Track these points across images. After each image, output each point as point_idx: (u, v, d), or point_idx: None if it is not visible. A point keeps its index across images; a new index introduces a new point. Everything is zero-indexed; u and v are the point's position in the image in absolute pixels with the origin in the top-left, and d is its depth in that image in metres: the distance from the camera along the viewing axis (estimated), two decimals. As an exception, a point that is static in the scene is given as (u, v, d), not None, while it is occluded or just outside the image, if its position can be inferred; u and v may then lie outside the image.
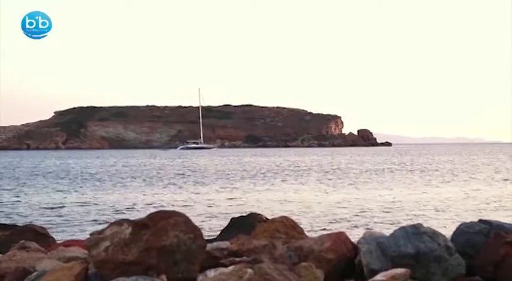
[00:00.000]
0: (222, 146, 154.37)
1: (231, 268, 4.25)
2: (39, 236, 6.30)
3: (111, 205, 21.73)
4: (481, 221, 5.03)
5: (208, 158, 78.48)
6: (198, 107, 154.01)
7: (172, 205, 21.11)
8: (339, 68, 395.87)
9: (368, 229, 14.13)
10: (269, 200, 22.77)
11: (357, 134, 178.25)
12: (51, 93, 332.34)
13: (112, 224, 4.36)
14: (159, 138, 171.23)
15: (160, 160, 72.57)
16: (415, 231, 4.56)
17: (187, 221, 4.30)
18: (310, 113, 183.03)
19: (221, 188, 29.28)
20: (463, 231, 4.87)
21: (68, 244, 5.74)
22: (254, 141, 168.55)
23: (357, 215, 18.06)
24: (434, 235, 4.56)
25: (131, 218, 4.49)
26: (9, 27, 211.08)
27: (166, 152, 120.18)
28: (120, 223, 4.31)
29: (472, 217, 15.20)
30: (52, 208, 20.61)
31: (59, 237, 8.81)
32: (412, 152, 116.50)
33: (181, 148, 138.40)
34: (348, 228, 14.76)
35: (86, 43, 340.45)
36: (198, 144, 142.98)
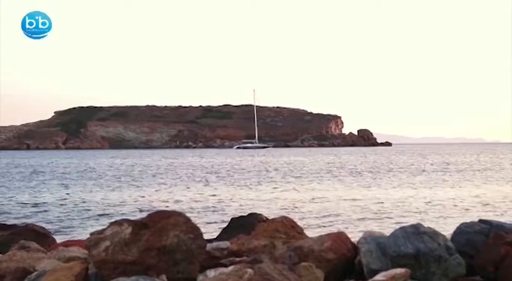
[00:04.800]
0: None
1: (231, 268, 4.24)
2: (39, 236, 6.31)
3: (111, 204, 21.71)
4: (481, 221, 5.03)
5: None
6: (253, 106, 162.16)
7: (192, 207, 21.07)
8: (339, 68, 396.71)
9: (368, 229, 14.11)
10: (269, 200, 22.75)
11: (357, 134, 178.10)
12: (51, 93, 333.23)
13: (112, 224, 4.35)
14: (159, 138, 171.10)
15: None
16: (415, 231, 4.56)
17: (187, 221, 4.30)
18: (310, 113, 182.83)
19: (228, 187, 29.33)
20: (463, 231, 4.87)
21: (68, 244, 5.74)
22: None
23: (357, 215, 18.04)
24: (434, 234, 4.55)
25: (132, 218, 4.48)
26: (9, 27, 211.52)
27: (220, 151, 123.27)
28: (120, 222, 4.30)
29: (472, 217, 15.20)
30: (52, 208, 20.60)
31: (59, 237, 8.80)
32: (425, 151, 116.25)
33: (237, 148, 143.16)
34: (348, 228, 14.73)
35: (86, 43, 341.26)
36: (253, 144, 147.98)
